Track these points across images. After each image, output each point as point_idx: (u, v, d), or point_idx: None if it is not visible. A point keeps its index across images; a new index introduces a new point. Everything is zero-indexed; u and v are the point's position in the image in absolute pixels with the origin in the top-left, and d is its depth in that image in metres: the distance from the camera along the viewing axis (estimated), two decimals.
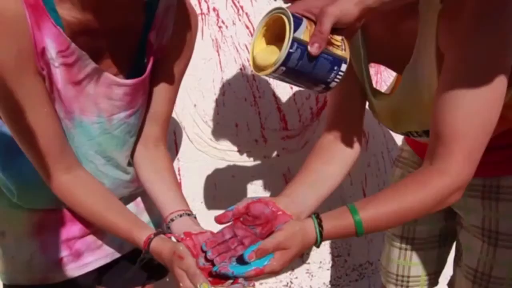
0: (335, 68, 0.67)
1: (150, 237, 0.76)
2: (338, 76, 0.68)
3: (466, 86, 0.65)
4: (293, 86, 1.43)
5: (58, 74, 0.72)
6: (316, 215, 0.71)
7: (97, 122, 0.81)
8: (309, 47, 0.64)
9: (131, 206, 0.97)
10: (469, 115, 0.65)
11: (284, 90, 1.43)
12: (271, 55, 0.67)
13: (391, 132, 1.59)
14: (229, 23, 1.34)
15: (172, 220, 0.80)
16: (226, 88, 1.37)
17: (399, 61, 0.81)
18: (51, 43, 0.70)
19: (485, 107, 0.66)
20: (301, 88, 1.42)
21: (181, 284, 0.70)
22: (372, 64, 0.91)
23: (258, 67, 0.69)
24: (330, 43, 0.66)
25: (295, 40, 0.64)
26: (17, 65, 0.67)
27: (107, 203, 0.80)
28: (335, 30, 0.66)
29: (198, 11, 1.29)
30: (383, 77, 1.53)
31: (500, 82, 0.65)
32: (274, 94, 1.42)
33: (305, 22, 0.65)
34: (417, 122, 0.82)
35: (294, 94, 1.45)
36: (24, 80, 0.69)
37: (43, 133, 0.73)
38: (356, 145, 0.91)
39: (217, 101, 1.36)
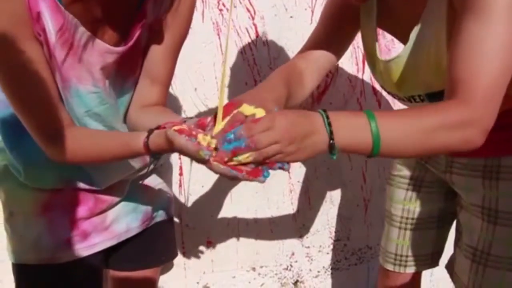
0: None
1: (145, 140, 0.72)
2: None
3: (483, 30, 0.67)
4: None
5: (54, 40, 0.72)
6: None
7: (93, 91, 0.81)
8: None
9: (139, 194, 0.98)
10: (488, 56, 0.67)
11: None
12: None
13: None
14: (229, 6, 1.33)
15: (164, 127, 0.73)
16: (227, 72, 1.37)
17: (405, 28, 0.83)
18: (46, 9, 0.70)
19: (503, 49, 0.67)
20: None
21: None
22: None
23: None
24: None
25: None
26: (13, 30, 0.68)
27: (103, 135, 0.80)
28: None
29: None
30: None
31: None
32: None
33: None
34: (422, 83, 0.83)
35: None
36: (21, 45, 0.69)
37: (42, 99, 0.74)
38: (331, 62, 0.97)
39: (217, 84, 1.36)
